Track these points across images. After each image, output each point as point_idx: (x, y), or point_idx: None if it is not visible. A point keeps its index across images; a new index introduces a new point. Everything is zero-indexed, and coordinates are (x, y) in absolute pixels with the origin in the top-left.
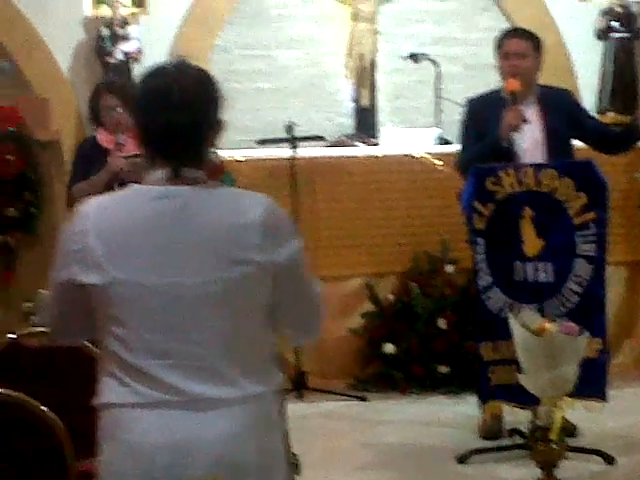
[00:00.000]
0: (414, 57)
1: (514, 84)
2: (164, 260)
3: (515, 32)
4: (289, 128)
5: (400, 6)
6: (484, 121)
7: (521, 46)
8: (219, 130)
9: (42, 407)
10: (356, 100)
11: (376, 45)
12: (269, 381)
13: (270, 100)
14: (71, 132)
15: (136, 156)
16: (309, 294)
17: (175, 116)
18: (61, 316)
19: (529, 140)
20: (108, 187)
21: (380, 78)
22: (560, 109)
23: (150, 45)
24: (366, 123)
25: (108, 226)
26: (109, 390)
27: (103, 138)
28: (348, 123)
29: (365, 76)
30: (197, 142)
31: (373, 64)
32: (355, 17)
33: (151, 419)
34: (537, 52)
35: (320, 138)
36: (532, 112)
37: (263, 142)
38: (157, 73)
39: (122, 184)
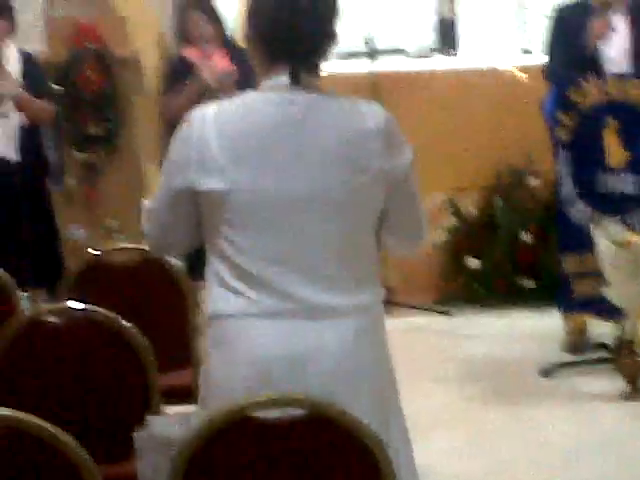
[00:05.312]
0: None
1: None
2: (286, 166)
3: None
4: (368, 41)
5: None
6: (572, 29)
7: None
8: (335, 42)
9: (125, 323)
10: (438, 12)
11: None
12: (377, 292)
13: (351, 13)
14: (152, 49)
15: (225, 74)
16: (418, 205)
17: (302, 21)
18: (167, 225)
19: (616, 49)
20: (199, 99)
21: None
22: None
23: None
24: (447, 35)
25: (229, 131)
26: (221, 299)
27: (191, 52)
28: (430, 36)
29: None
30: (318, 50)
31: None
32: None
33: (266, 328)
34: None
35: (400, 51)
36: (621, 21)
37: (343, 56)
38: None
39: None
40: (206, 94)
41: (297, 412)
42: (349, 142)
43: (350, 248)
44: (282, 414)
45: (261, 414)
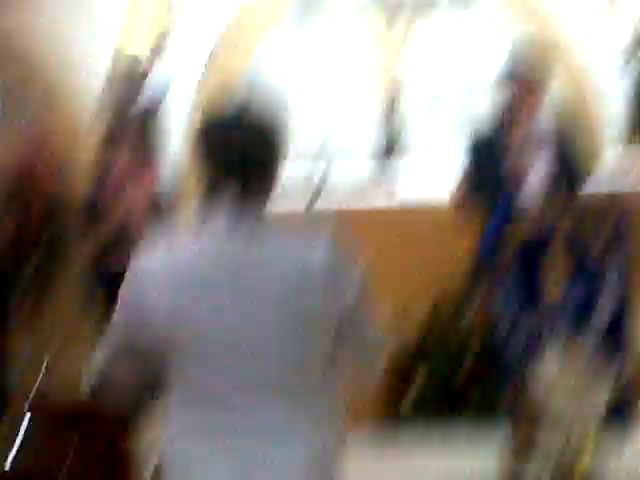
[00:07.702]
0: None
1: None
2: (223, 306)
3: None
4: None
5: None
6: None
7: None
8: (276, 178)
9: None
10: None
11: None
12: (330, 425)
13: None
14: None
15: None
16: (371, 337)
17: (245, 152)
18: (115, 364)
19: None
20: None
21: None
22: None
23: None
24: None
25: (172, 264)
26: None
27: None
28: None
29: None
30: (263, 179)
31: None
32: None
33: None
34: None
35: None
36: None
37: None
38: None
39: None
40: None
41: None
42: (287, 281)
43: (299, 387)
44: None
45: None
